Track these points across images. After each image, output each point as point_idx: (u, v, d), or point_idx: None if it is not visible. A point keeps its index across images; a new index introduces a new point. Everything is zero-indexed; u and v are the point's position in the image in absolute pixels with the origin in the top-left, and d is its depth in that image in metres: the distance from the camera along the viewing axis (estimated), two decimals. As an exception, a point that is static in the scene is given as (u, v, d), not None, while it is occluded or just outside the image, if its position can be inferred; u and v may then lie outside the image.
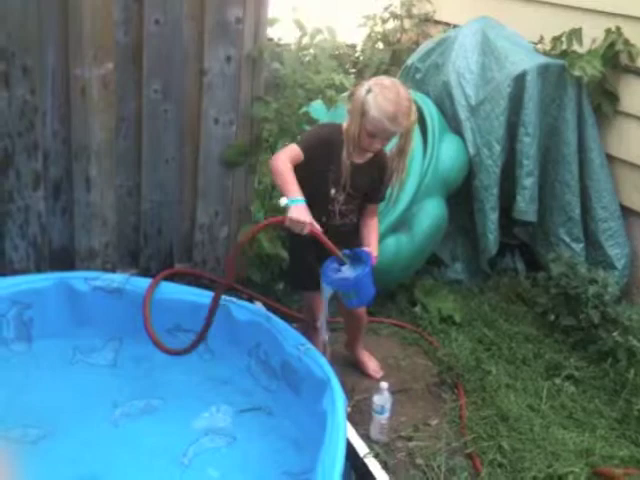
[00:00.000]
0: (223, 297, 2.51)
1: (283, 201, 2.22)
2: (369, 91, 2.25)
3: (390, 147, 2.44)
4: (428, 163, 3.25)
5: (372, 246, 2.45)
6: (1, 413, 2.29)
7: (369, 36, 4.89)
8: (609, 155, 3.52)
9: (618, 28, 3.37)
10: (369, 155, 2.42)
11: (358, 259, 2.33)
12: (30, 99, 2.58)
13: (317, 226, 2.25)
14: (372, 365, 2.85)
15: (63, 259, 2.86)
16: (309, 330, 2.68)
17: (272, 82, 3.01)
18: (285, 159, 2.29)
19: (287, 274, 2.88)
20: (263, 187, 3.01)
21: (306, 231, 2.21)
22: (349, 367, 2.84)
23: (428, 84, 3.68)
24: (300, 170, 2.30)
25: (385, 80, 2.32)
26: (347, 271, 2.31)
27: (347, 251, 2.35)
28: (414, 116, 2.30)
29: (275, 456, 2.26)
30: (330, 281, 2.31)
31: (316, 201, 2.34)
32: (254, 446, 2.30)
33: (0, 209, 2.70)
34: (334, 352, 2.76)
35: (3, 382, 2.46)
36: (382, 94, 2.23)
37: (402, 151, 2.38)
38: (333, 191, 2.42)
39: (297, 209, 2.20)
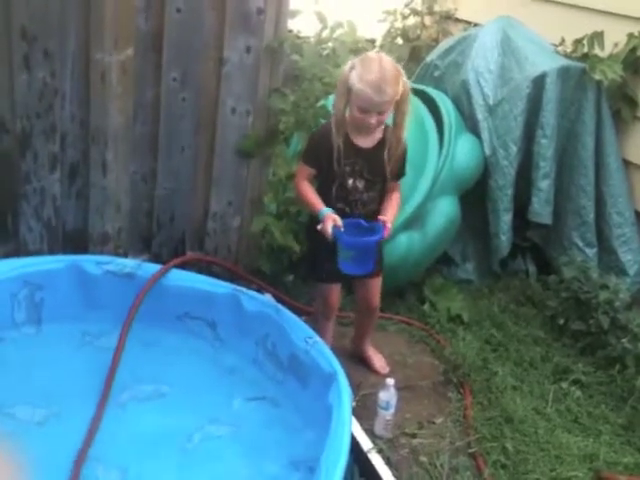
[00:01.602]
0: (233, 286, 2.53)
1: (319, 226, 2.34)
2: (352, 67, 2.26)
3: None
4: (443, 161, 3.23)
5: (388, 216, 2.43)
6: (9, 393, 2.31)
7: (389, 31, 4.87)
8: (626, 160, 3.50)
9: (641, 33, 3.35)
10: (377, 137, 2.42)
11: (373, 230, 2.37)
12: (50, 82, 2.59)
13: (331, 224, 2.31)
14: (378, 361, 2.86)
15: (76, 242, 2.87)
16: (319, 322, 2.69)
17: (291, 74, 3.01)
18: (301, 182, 2.45)
19: (304, 265, 2.85)
20: (277, 179, 3.02)
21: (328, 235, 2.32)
22: (356, 362, 2.84)
23: (446, 82, 3.66)
24: (319, 177, 2.44)
25: (369, 54, 2.32)
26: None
27: (364, 222, 2.39)
28: (403, 85, 2.27)
29: (279, 446, 2.27)
30: (344, 239, 2.32)
31: (338, 195, 2.41)
32: (259, 435, 2.31)
33: (16, 190, 2.72)
34: (342, 347, 2.78)
35: (12, 362, 2.48)
36: (364, 66, 2.24)
37: (396, 124, 2.38)
38: (350, 181, 2.43)
39: (323, 218, 2.33)
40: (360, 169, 2.41)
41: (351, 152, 2.39)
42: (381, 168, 2.44)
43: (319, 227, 2.34)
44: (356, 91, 2.24)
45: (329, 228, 2.29)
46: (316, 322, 2.69)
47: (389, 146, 2.42)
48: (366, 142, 2.41)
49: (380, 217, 2.40)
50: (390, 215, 2.44)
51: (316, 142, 2.43)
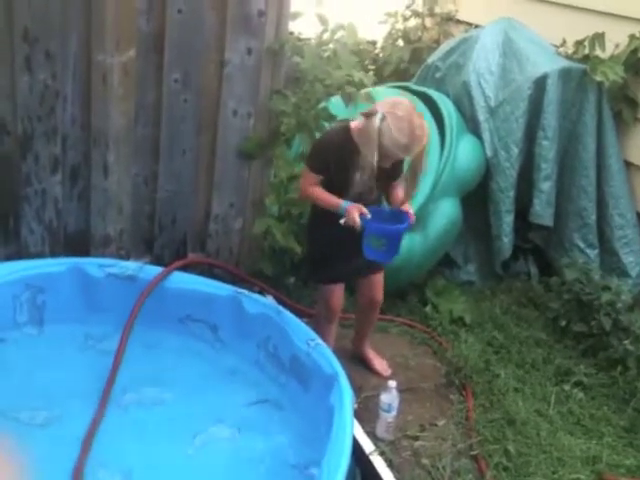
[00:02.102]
0: (235, 289, 2.52)
1: (342, 220, 2.36)
2: (383, 119, 2.26)
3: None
4: (445, 162, 3.23)
5: (406, 205, 2.48)
6: (11, 395, 2.31)
7: (390, 33, 4.86)
8: (627, 162, 3.50)
9: (642, 34, 3.35)
10: None
11: (397, 217, 2.42)
12: (51, 84, 2.59)
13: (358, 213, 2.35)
14: (379, 363, 2.86)
15: (78, 244, 2.87)
16: (321, 325, 2.69)
17: (292, 76, 3.01)
18: (307, 186, 2.46)
19: (305, 268, 2.84)
20: (278, 181, 3.01)
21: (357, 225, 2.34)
22: (358, 364, 2.84)
23: (448, 84, 3.66)
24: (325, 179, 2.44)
25: (399, 109, 2.29)
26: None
27: (387, 209, 2.45)
28: (426, 139, 2.34)
29: (281, 448, 2.27)
30: (375, 227, 2.35)
31: (346, 187, 2.42)
32: (260, 438, 2.31)
33: (17, 192, 2.72)
34: (343, 349, 2.77)
35: (14, 365, 2.48)
36: (395, 126, 2.25)
37: (414, 173, 2.48)
38: (357, 175, 2.43)
39: (346, 211, 2.35)
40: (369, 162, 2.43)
41: (364, 164, 2.38)
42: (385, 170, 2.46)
43: (342, 221, 2.35)
44: (385, 148, 2.28)
45: (357, 218, 2.32)
46: (318, 325, 2.69)
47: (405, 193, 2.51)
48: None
49: (403, 208, 2.44)
50: (407, 203, 2.49)
51: (325, 146, 2.45)
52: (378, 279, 2.71)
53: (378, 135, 2.26)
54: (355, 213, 2.33)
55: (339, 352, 2.56)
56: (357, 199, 2.42)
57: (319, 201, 2.45)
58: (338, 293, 2.65)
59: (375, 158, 2.30)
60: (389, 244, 2.40)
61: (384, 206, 2.55)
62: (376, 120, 2.26)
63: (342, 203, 2.37)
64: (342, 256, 2.55)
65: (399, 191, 2.55)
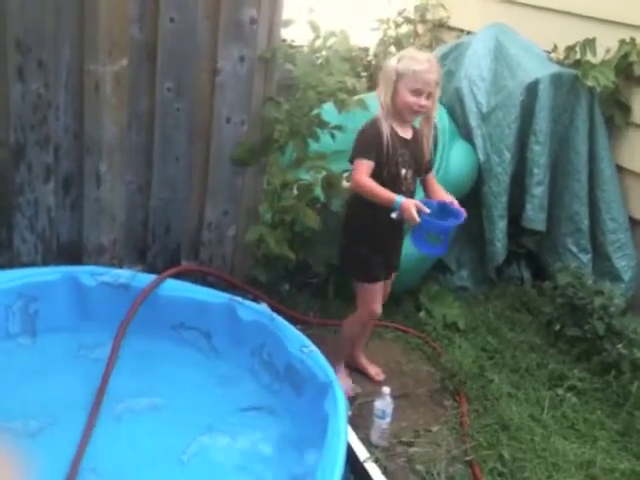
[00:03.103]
0: (229, 296, 2.51)
1: (394, 214, 2.37)
2: (399, 59, 2.44)
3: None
4: (437, 168, 3.24)
5: (448, 196, 2.55)
6: (3, 404, 2.30)
7: (382, 40, 4.88)
8: (619, 166, 3.51)
9: (632, 39, 3.37)
10: (411, 129, 2.55)
11: (444, 209, 2.47)
12: (44, 93, 2.59)
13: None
14: (373, 368, 2.86)
15: (71, 254, 2.87)
16: (355, 329, 2.72)
17: (284, 83, 3.02)
18: (362, 177, 2.43)
19: (351, 270, 2.70)
20: (272, 188, 3.02)
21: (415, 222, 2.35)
22: (352, 371, 2.84)
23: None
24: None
25: (411, 51, 2.52)
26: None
27: (434, 202, 2.46)
28: (440, 74, 2.48)
29: (275, 456, 2.26)
30: (435, 224, 2.37)
31: (389, 186, 2.44)
32: (255, 446, 2.30)
33: (10, 202, 2.71)
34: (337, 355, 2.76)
35: (6, 374, 2.46)
36: (412, 54, 2.46)
37: (428, 117, 2.54)
38: (403, 171, 2.51)
39: (402, 206, 2.35)
40: (408, 159, 2.51)
41: (398, 143, 2.48)
42: (422, 157, 2.57)
43: (394, 215, 2.36)
44: (411, 74, 2.40)
45: (415, 214, 2.32)
46: (352, 329, 2.71)
47: (426, 135, 2.56)
48: (407, 133, 2.53)
49: (454, 204, 2.49)
50: (448, 194, 2.57)
51: (369, 135, 2.48)
52: (388, 283, 2.75)
53: (397, 70, 2.41)
54: (413, 209, 2.33)
55: (333, 359, 2.56)
56: (396, 188, 2.46)
57: (373, 193, 2.41)
58: (380, 293, 2.65)
59: (390, 95, 2.42)
60: (446, 238, 2.42)
61: (429, 199, 2.56)
62: (393, 61, 2.45)
63: (396, 197, 2.37)
64: (384, 252, 2.60)
65: (435, 182, 2.63)
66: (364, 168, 2.44)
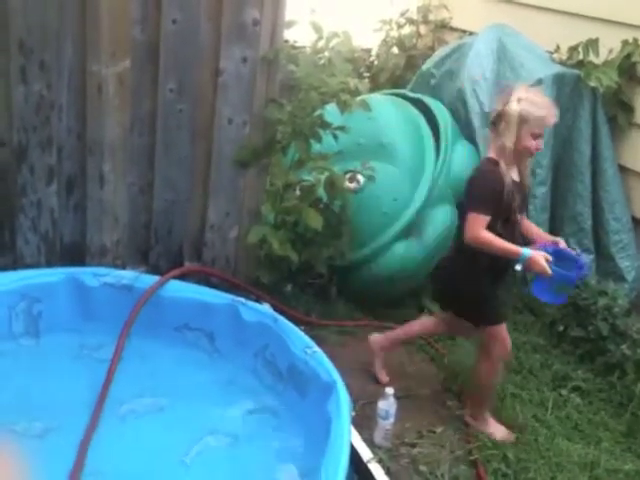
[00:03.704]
0: (232, 297, 2.51)
1: (518, 267, 2.35)
2: (520, 101, 2.37)
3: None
4: (440, 169, 3.24)
5: (557, 240, 2.52)
6: (7, 406, 2.29)
7: (384, 41, 4.88)
8: (622, 167, 3.51)
9: (635, 39, 3.37)
10: (515, 169, 2.48)
11: (559, 255, 2.41)
12: (46, 94, 2.59)
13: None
14: (384, 376, 2.85)
15: (74, 255, 2.87)
16: (497, 367, 2.61)
17: (287, 84, 3.02)
18: (480, 231, 2.37)
19: (480, 317, 2.60)
20: (274, 189, 3.02)
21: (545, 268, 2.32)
22: (356, 371, 2.83)
23: (442, 90, 3.67)
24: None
25: (521, 89, 2.44)
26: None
27: (551, 249, 2.41)
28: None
29: (279, 457, 2.26)
30: (565, 275, 2.34)
31: (502, 232, 2.40)
32: (258, 447, 2.30)
33: (13, 203, 2.71)
34: (341, 356, 2.76)
35: (10, 375, 2.46)
36: (532, 96, 2.40)
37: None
38: (518, 217, 2.48)
39: (532, 259, 2.32)
40: (520, 203, 2.46)
41: (514, 188, 2.42)
42: (526, 198, 2.56)
43: (518, 267, 2.34)
44: (536, 118, 2.35)
45: (546, 266, 2.29)
46: (494, 369, 2.59)
47: (526, 173, 2.52)
48: (515, 175, 2.47)
49: (572, 251, 2.48)
50: (554, 237, 2.56)
51: (489, 187, 2.41)
52: None
53: (520, 114, 2.34)
54: (543, 261, 2.30)
55: (336, 360, 2.55)
56: (510, 233, 2.43)
57: (495, 248, 2.37)
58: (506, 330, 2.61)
59: (514, 139, 2.35)
60: (572, 288, 2.42)
61: (542, 245, 2.47)
62: (513, 104, 2.36)
63: (522, 250, 2.34)
64: (502, 291, 2.59)
65: (525, 219, 2.61)
66: (482, 223, 2.36)
